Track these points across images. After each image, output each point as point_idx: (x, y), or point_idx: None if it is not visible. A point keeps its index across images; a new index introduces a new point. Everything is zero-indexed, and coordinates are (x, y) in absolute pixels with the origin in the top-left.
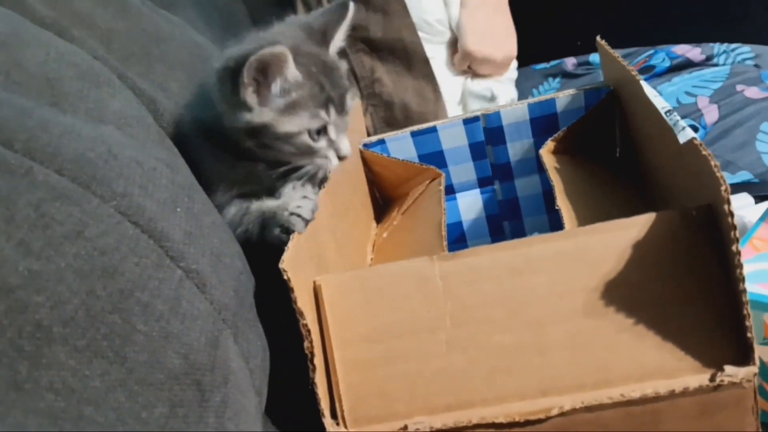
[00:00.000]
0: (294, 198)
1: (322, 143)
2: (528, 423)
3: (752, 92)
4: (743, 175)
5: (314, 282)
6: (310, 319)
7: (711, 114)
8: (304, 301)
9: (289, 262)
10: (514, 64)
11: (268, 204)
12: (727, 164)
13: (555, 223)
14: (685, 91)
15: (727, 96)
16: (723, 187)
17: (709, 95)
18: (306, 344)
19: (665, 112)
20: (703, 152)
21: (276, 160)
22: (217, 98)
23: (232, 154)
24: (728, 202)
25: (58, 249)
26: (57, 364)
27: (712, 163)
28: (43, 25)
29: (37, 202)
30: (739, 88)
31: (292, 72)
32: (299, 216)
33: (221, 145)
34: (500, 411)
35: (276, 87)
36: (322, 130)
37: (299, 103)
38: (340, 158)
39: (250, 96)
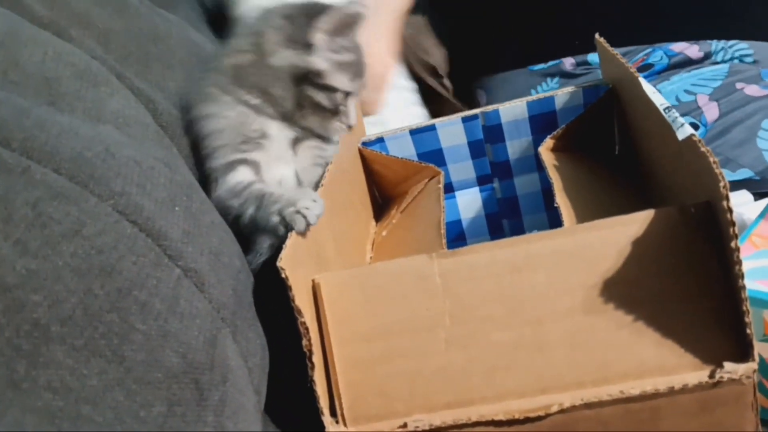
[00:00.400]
0: (304, 197)
1: (344, 108)
2: (528, 420)
3: (752, 90)
4: (744, 173)
5: (313, 280)
6: (308, 317)
7: (711, 112)
8: (302, 300)
9: (287, 261)
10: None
11: (273, 189)
12: (728, 162)
13: (554, 221)
14: (684, 89)
15: (727, 94)
16: (722, 184)
17: (708, 93)
18: (304, 342)
19: (664, 109)
20: (702, 149)
21: (299, 117)
22: (276, 34)
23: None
24: (727, 199)
25: (56, 248)
26: (55, 363)
27: (711, 159)
28: (41, 25)
29: (34, 201)
30: (738, 86)
31: (356, 35)
32: (304, 217)
33: (253, 88)
34: (500, 408)
35: (340, 42)
36: (347, 95)
37: (348, 64)
38: (349, 127)
39: (319, 39)
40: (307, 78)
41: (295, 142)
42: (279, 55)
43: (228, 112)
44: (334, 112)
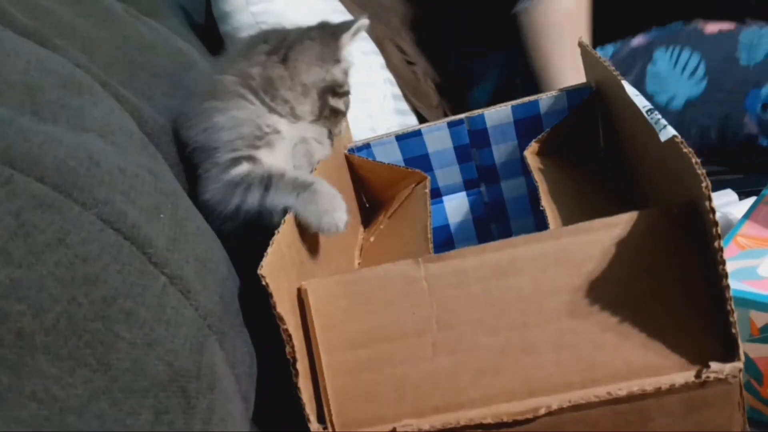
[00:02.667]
0: (333, 200)
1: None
2: (516, 423)
3: None
4: None
5: (300, 287)
6: (292, 324)
7: None
8: (284, 307)
9: (268, 268)
10: None
11: (282, 170)
12: None
13: (541, 225)
14: None
15: None
16: (704, 184)
17: None
18: (288, 349)
19: (646, 111)
20: (684, 150)
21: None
22: (306, 54)
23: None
24: (709, 199)
25: (40, 257)
26: (39, 372)
27: (693, 160)
28: (25, 35)
29: (17, 210)
30: None
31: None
32: (337, 228)
33: (278, 98)
34: (488, 412)
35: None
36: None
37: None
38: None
39: (346, 54)
40: (332, 90)
41: (299, 142)
42: (311, 73)
43: (247, 106)
44: (345, 113)
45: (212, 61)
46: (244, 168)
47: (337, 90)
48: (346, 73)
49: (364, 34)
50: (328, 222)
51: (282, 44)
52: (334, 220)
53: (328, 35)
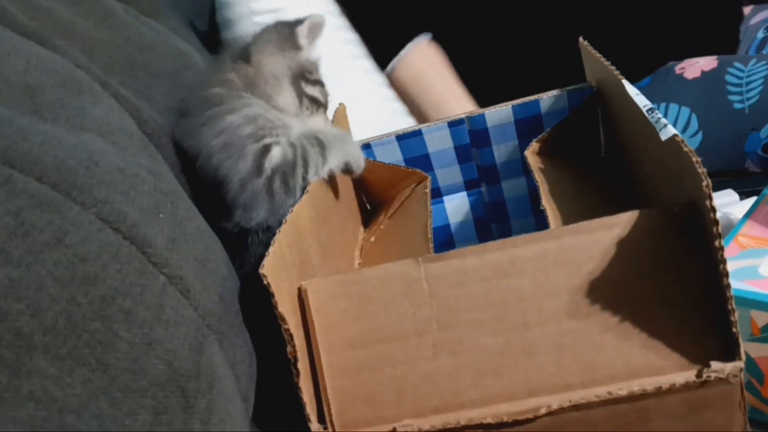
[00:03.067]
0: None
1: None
2: (516, 423)
3: None
4: None
5: (300, 287)
6: (293, 324)
7: None
8: (286, 307)
9: (269, 268)
10: None
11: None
12: None
13: (542, 225)
14: None
15: None
16: (704, 183)
17: None
18: (289, 349)
19: (647, 111)
20: (685, 149)
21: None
22: (267, 45)
23: None
24: (710, 198)
25: (38, 256)
26: (38, 372)
27: (694, 159)
28: (25, 35)
29: (16, 209)
30: None
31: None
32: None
33: (263, 96)
34: (488, 412)
35: (313, 45)
36: None
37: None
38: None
39: (303, 40)
40: (302, 76)
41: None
42: (275, 62)
43: (250, 103)
44: (326, 105)
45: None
46: (277, 152)
47: (307, 77)
48: (312, 62)
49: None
50: (363, 163)
51: (243, 47)
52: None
53: (285, 27)
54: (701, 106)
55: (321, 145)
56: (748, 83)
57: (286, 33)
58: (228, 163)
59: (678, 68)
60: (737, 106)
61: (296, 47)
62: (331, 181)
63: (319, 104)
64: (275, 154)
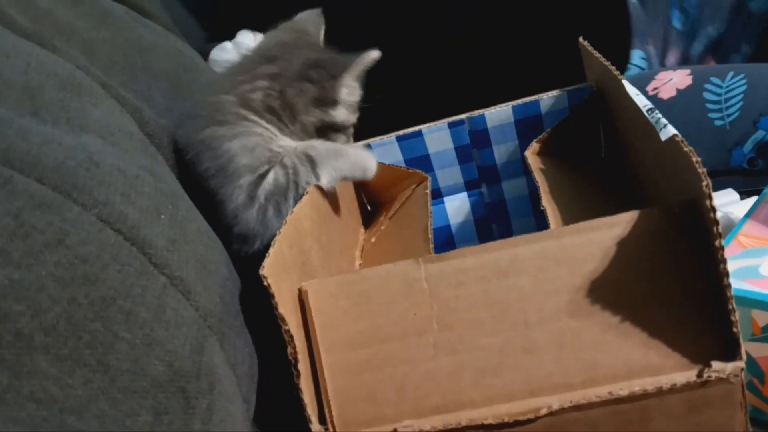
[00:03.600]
0: (364, 152)
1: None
2: (517, 423)
3: None
4: None
5: (300, 287)
6: (293, 325)
7: None
8: (287, 308)
9: (270, 269)
10: None
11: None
12: None
13: (542, 225)
14: None
15: None
16: (704, 183)
17: None
18: (289, 350)
19: (647, 110)
20: (685, 149)
21: None
22: (303, 96)
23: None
24: (710, 198)
25: (39, 257)
26: (38, 373)
27: (694, 159)
28: (25, 36)
29: (16, 210)
30: None
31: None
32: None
33: (282, 123)
34: (489, 412)
35: (354, 86)
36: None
37: (356, 102)
38: None
39: (344, 94)
40: (330, 127)
41: None
42: (310, 114)
43: (253, 130)
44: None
45: (211, 78)
46: (270, 179)
47: (337, 128)
48: (350, 107)
49: None
50: (371, 171)
51: (284, 73)
52: (372, 166)
53: (327, 77)
54: (681, 126)
55: (312, 162)
56: (727, 99)
57: (326, 88)
58: (223, 191)
59: (651, 88)
60: (718, 123)
61: (334, 102)
62: None
63: (337, 129)
64: (268, 181)
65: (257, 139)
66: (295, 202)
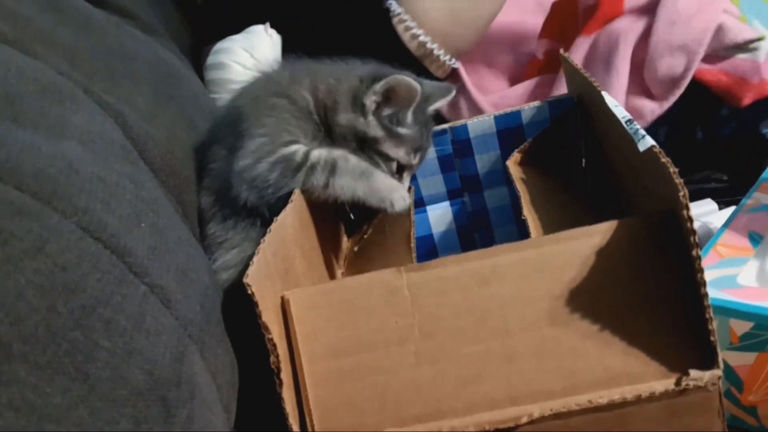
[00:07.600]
0: (391, 182)
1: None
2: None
3: None
4: None
5: (282, 296)
6: (276, 334)
7: None
8: (269, 316)
9: (253, 277)
10: None
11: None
12: None
13: (524, 233)
14: None
15: None
16: (681, 193)
17: None
18: (272, 359)
19: (626, 122)
20: (663, 159)
21: None
22: (347, 94)
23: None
24: (687, 208)
25: (17, 265)
26: (17, 381)
27: (671, 169)
28: (5, 42)
29: None
30: None
31: (411, 109)
32: (402, 208)
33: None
34: (470, 420)
35: (390, 111)
36: (402, 169)
37: (404, 138)
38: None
39: (370, 102)
40: (367, 141)
41: None
42: (345, 115)
43: (294, 148)
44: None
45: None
46: (299, 149)
47: (374, 146)
48: (389, 133)
49: None
50: (390, 203)
51: (329, 88)
52: (395, 200)
53: (369, 80)
54: None
55: (333, 170)
56: None
57: (364, 89)
58: (254, 129)
59: None
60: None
61: (363, 108)
62: None
63: (381, 154)
64: (291, 149)
65: (291, 154)
66: (288, 197)
